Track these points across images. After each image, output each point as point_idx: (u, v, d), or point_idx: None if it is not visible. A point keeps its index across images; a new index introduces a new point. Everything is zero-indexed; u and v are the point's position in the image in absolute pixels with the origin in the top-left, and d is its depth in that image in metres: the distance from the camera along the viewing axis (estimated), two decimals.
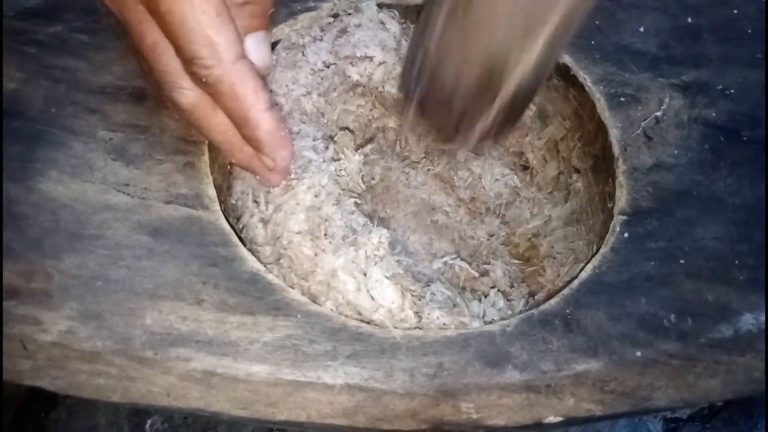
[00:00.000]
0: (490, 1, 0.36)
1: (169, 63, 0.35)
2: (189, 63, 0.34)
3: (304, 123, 0.48)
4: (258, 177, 0.43)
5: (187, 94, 0.36)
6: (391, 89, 0.52)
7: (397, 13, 0.52)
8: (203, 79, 0.35)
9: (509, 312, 0.46)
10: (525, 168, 0.58)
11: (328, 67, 0.50)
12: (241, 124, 0.38)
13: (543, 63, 0.38)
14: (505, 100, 0.40)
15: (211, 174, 0.43)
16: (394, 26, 0.51)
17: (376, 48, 0.50)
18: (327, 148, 0.47)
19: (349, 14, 0.51)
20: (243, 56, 0.36)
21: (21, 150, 0.42)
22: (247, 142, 0.39)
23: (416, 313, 0.41)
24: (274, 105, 0.38)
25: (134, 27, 0.34)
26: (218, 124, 0.38)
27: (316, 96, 0.50)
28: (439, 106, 0.42)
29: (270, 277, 0.39)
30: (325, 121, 0.52)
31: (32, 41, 0.45)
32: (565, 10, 0.35)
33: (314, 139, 0.46)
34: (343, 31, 0.50)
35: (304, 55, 0.50)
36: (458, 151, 0.56)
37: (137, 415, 0.57)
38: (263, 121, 0.37)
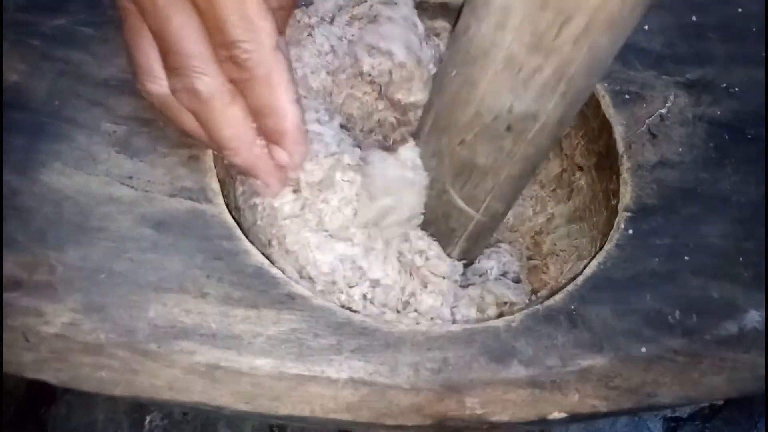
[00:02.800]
0: None
1: (196, 46, 0.34)
2: (228, 46, 0.34)
3: (305, 98, 0.47)
4: (258, 182, 0.42)
5: (208, 80, 0.35)
6: (401, 96, 0.51)
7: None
8: (242, 63, 0.35)
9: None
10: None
11: (333, 51, 0.49)
12: (266, 113, 0.37)
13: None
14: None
15: (215, 168, 0.43)
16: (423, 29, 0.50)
17: (401, 47, 0.49)
18: (332, 119, 0.46)
19: (385, 3, 0.50)
20: (279, 46, 0.36)
21: (24, 142, 0.41)
22: (266, 134, 0.39)
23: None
24: (300, 99, 0.38)
25: (160, 8, 0.34)
26: (233, 118, 0.37)
27: (324, 74, 0.50)
28: None
29: (274, 270, 0.39)
30: (330, 101, 0.51)
31: (36, 33, 0.45)
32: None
33: (317, 111, 0.45)
34: (374, 20, 0.50)
35: (310, 35, 0.49)
36: None
37: (137, 411, 0.57)
38: (291, 112, 0.38)
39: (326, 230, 0.42)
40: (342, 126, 0.46)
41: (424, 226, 0.45)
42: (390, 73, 0.50)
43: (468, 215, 0.44)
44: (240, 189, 0.44)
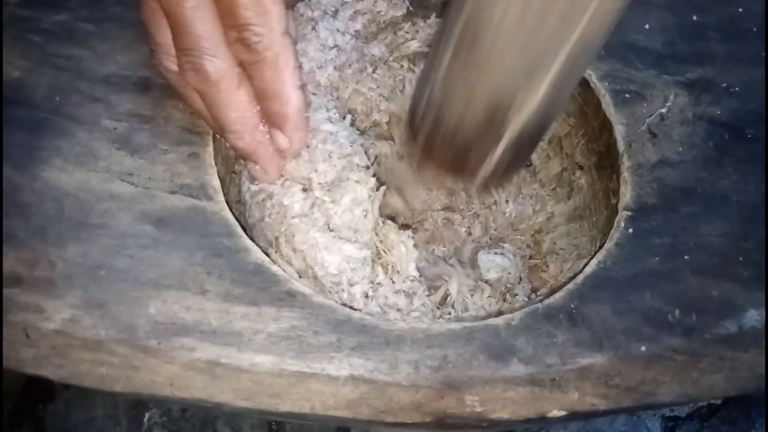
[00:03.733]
0: (493, 41, 0.35)
1: (207, 28, 0.35)
2: (239, 28, 0.35)
3: (315, 95, 0.48)
4: (257, 168, 0.42)
5: (217, 62, 0.36)
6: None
7: None
8: (252, 46, 0.36)
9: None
10: (527, 165, 0.57)
11: (337, 46, 0.49)
12: (271, 96, 0.38)
13: (550, 104, 0.38)
14: (510, 141, 0.40)
15: (216, 165, 0.43)
16: None
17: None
18: (344, 117, 0.46)
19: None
20: (289, 31, 0.37)
21: (25, 138, 0.41)
22: (268, 118, 0.39)
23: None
24: (304, 86, 0.39)
25: None
26: (239, 101, 0.38)
27: (331, 69, 0.50)
28: (444, 146, 0.42)
29: (275, 268, 0.39)
30: (337, 96, 0.51)
31: (37, 29, 0.45)
32: (572, 52, 0.35)
33: (328, 110, 0.45)
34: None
35: (314, 29, 0.49)
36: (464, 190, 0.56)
37: (135, 408, 0.57)
38: (294, 97, 0.39)
39: (334, 230, 0.42)
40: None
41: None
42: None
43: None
44: (247, 185, 0.44)
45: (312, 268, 0.41)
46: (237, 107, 0.38)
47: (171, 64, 0.38)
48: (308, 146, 0.43)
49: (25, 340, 0.36)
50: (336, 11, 0.50)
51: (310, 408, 0.36)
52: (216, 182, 0.42)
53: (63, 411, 0.56)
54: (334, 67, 0.50)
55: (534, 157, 0.57)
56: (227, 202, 0.42)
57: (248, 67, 0.37)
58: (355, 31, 0.50)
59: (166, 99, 0.44)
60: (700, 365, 0.38)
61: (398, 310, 0.42)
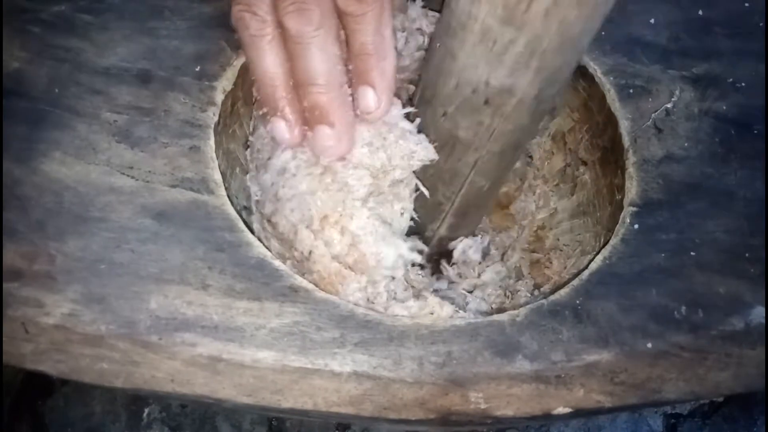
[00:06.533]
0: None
1: None
2: None
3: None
4: (328, 132, 0.40)
5: (324, 6, 0.37)
6: None
7: None
8: None
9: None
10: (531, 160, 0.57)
11: (403, 30, 0.47)
12: (370, 50, 0.39)
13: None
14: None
15: (217, 159, 0.42)
16: None
17: None
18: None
19: None
20: None
21: (24, 130, 0.41)
22: (362, 74, 0.40)
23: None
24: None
25: None
26: (332, 53, 0.39)
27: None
28: None
29: (277, 263, 0.39)
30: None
31: (36, 20, 0.44)
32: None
33: (404, 105, 0.44)
34: None
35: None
36: None
37: (134, 404, 0.57)
38: (392, 54, 0.40)
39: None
40: None
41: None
42: None
43: (452, 189, 0.45)
44: (290, 153, 0.43)
45: (365, 255, 0.41)
46: (329, 58, 0.38)
47: (253, 18, 0.38)
48: (385, 139, 0.42)
49: (25, 334, 0.35)
50: None
51: (313, 404, 0.36)
52: (217, 176, 0.41)
53: (62, 406, 0.55)
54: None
55: (536, 153, 0.56)
56: (228, 197, 0.41)
57: (352, 20, 0.38)
58: None
59: (166, 91, 0.43)
60: (706, 362, 0.38)
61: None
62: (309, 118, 0.41)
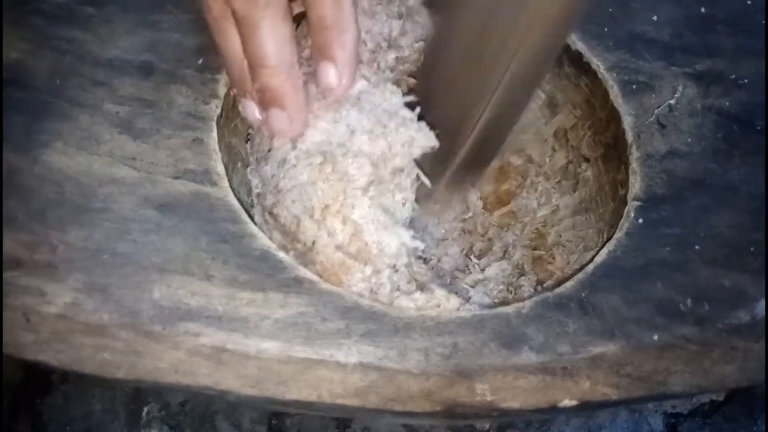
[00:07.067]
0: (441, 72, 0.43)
1: None
2: None
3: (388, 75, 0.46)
4: (282, 116, 0.40)
5: None
6: None
7: None
8: None
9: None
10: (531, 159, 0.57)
11: (399, 17, 0.47)
12: (329, 24, 0.38)
13: (500, 116, 0.42)
14: (470, 144, 0.44)
15: (220, 151, 0.42)
16: None
17: None
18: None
19: None
20: None
21: (25, 120, 0.40)
22: (321, 50, 0.39)
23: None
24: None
25: None
26: (281, 33, 0.37)
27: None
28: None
29: (281, 254, 0.39)
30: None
31: (37, 11, 0.44)
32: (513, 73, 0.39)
33: (404, 94, 0.44)
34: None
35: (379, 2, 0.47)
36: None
37: (134, 403, 0.56)
38: (352, 27, 0.38)
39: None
40: None
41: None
42: None
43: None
44: (290, 144, 0.42)
45: (367, 244, 0.40)
46: (278, 39, 0.37)
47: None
48: (385, 127, 0.42)
49: (25, 324, 0.35)
50: None
51: (318, 396, 0.35)
52: (220, 168, 0.41)
53: (61, 404, 0.54)
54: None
55: (537, 151, 0.56)
56: (231, 189, 0.41)
57: None
58: None
59: (169, 83, 0.43)
60: (712, 355, 0.38)
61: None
62: (261, 100, 0.40)
